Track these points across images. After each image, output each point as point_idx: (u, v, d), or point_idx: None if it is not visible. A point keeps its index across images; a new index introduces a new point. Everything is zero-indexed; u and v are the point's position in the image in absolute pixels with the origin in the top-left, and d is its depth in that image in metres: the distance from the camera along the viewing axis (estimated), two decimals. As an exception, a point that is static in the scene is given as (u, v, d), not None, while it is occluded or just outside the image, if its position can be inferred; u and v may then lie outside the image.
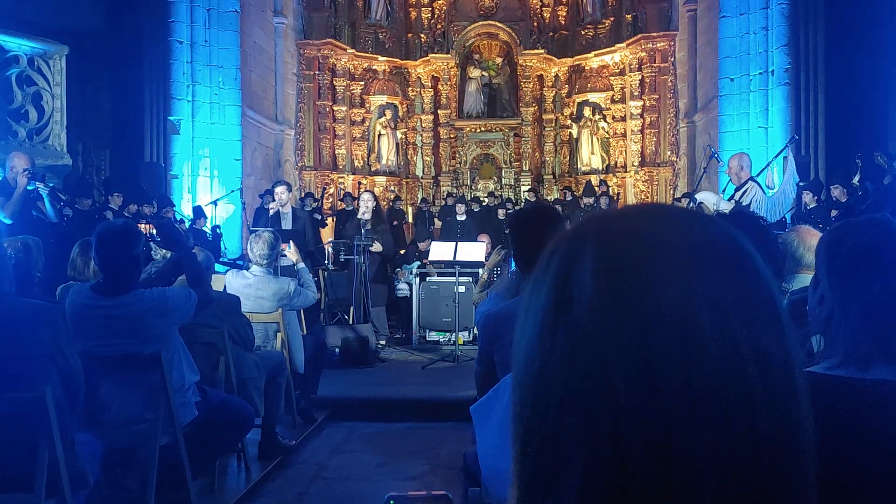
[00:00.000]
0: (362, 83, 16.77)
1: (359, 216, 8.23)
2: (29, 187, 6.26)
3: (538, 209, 3.05)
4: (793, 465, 0.51)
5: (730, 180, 6.45)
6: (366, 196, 8.61)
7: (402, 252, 11.24)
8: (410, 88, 17.38)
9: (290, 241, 5.97)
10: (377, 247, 8.08)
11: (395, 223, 13.82)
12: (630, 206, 0.65)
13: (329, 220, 13.88)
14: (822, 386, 1.14)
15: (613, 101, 16.52)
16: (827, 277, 1.24)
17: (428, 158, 17.21)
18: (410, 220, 15.71)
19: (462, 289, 8.01)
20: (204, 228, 10.23)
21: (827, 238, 1.30)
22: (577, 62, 16.97)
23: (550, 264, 0.56)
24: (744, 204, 5.94)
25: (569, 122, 17.06)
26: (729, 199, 6.16)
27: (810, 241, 2.44)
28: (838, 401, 1.12)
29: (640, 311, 0.50)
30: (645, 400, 0.49)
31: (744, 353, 0.50)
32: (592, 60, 16.70)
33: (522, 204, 14.95)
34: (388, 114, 17.06)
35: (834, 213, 8.27)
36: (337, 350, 7.32)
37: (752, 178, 6.14)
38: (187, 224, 9.81)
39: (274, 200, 8.10)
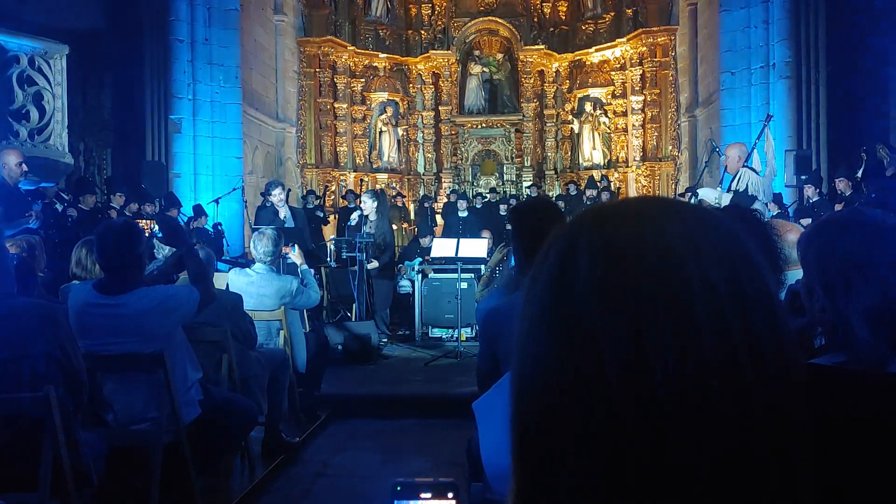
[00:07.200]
0: (363, 80, 16.76)
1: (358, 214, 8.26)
2: (29, 187, 6.24)
3: (538, 202, 3.04)
4: (786, 453, 0.51)
5: (726, 170, 6.53)
6: (365, 197, 8.63)
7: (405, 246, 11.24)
8: (411, 85, 17.37)
9: (295, 245, 5.97)
10: (374, 264, 8.11)
11: (396, 228, 13.82)
12: (626, 198, 0.65)
13: (331, 218, 13.90)
14: (833, 379, 1.13)
15: (614, 97, 16.51)
16: (824, 292, 1.22)
17: (429, 155, 17.21)
18: (413, 217, 15.70)
19: (464, 285, 8.01)
20: (206, 227, 10.23)
21: (815, 246, 1.26)
22: (578, 57, 16.96)
23: (548, 256, 0.56)
24: (741, 189, 6.01)
25: (570, 117, 17.05)
26: (727, 191, 6.22)
27: (789, 237, 2.42)
28: (851, 393, 1.11)
29: (633, 299, 0.51)
30: (637, 388, 0.49)
31: (736, 340, 0.51)
32: (593, 55, 16.69)
33: (524, 199, 14.93)
34: (389, 111, 17.06)
35: (838, 206, 8.25)
36: (340, 347, 7.32)
37: (744, 165, 6.22)
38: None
39: (273, 200, 8.10)
